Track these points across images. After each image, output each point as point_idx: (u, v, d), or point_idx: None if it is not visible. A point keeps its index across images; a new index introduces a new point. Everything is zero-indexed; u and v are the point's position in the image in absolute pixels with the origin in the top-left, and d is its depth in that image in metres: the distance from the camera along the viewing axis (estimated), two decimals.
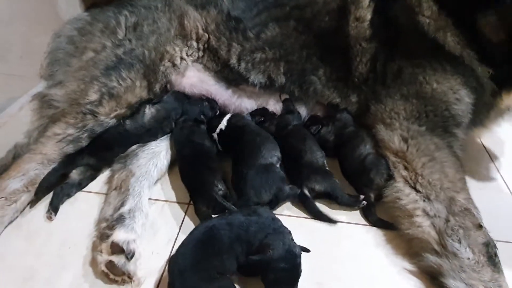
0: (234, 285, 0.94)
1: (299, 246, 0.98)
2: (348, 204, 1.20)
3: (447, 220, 1.04)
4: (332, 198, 1.23)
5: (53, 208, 1.22)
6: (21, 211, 1.20)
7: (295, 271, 0.93)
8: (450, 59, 1.20)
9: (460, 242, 1.00)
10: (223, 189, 1.18)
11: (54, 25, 1.57)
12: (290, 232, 1.01)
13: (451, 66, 1.19)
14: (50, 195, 1.25)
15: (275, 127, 1.44)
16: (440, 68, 1.21)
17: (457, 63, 1.19)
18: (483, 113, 1.27)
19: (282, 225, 1.02)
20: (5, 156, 1.29)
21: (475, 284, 0.93)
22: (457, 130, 1.24)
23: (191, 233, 1.00)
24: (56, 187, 1.26)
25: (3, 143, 1.30)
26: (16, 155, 1.30)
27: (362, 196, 1.19)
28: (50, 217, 1.20)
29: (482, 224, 1.04)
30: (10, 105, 1.37)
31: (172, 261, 0.95)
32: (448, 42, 1.19)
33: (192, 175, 1.22)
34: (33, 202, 1.23)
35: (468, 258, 0.97)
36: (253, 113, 1.51)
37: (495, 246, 1.00)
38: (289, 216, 1.20)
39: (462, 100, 1.21)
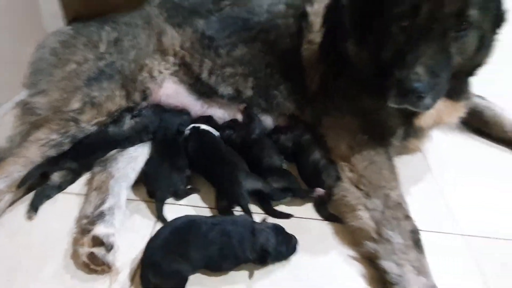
0: (189, 274, 1.06)
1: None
2: (302, 195, 1.38)
3: (383, 213, 1.23)
4: (292, 194, 1.39)
5: (34, 207, 1.31)
6: (3, 211, 1.29)
7: None
8: (369, 83, 1.41)
9: (393, 230, 1.19)
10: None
11: (38, 36, 1.68)
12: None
13: (372, 87, 1.38)
14: (31, 196, 1.35)
15: (240, 139, 1.58)
16: (365, 89, 1.42)
17: (373, 87, 1.38)
18: (410, 126, 1.49)
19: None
20: None
21: (403, 264, 1.12)
22: (393, 139, 1.46)
23: (172, 220, 1.15)
24: (37, 189, 1.36)
25: None
26: None
27: (320, 190, 1.36)
28: (31, 216, 1.30)
29: (410, 215, 1.24)
30: None
31: (149, 240, 1.09)
32: (363, 71, 1.42)
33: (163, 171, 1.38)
34: (14, 202, 1.32)
35: (399, 243, 1.16)
36: (223, 127, 1.65)
37: (419, 233, 1.20)
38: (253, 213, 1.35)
39: (392, 114, 1.42)
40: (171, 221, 1.16)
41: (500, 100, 1.90)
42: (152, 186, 1.35)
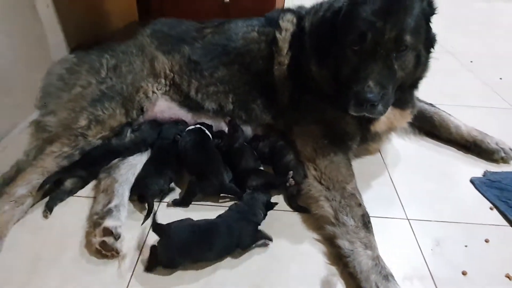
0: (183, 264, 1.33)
1: None
2: (282, 181, 1.64)
3: (340, 202, 1.51)
4: (271, 186, 1.66)
5: (49, 208, 1.54)
6: (26, 212, 1.53)
7: None
8: (330, 95, 1.72)
9: (347, 215, 1.46)
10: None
11: (46, 64, 1.94)
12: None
13: (332, 100, 1.71)
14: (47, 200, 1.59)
15: (225, 147, 1.85)
16: (327, 102, 1.73)
17: (334, 100, 1.70)
18: (367, 132, 1.79)
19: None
20: (10, 170, 1.61)
21: (354, 241, 1.39)
22: (351, 142, 1.76)
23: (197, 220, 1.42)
24: (51, 193, 1.60)
25: (8, 160, 1.62)
26: (18, 169, 1.62)
27: (290, 172, 1.64)
28: (46, 216, 1.53)
29: (361, 203, 1.52)
30: (12, 130, 1.70)
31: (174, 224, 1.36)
32: (325, 87, 1.73)
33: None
34: (34, 205, 1.57)
35: (351, 225, 1.43)
36: (213, 136, 1.90)
37: (369, 216, 1.48)
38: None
39: (349, 122, 1.73)
40: (196, 221, 1.41)
41: (447, 108, 2.24)
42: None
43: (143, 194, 1.57)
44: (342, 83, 1.61)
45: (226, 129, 2.00)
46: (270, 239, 1.44)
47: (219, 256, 1.37)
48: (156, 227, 1.33)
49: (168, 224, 1.35)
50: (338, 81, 1.66)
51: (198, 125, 1.86)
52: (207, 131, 1.85)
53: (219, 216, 1.47)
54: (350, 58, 1.55)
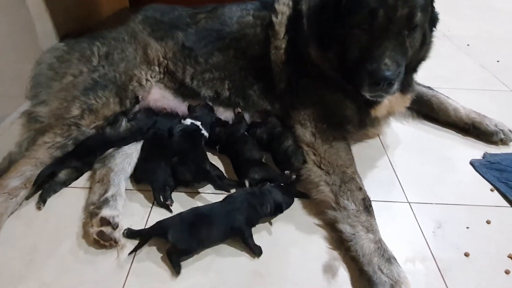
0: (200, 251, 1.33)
1: None
2: (281, 181, 1.59)
3: (340, 186, 1.49)
4: (271, 181, 1.61)
5: (42, 200, 1.51)
6: (20, 204, 1.49)
7: None
8: (331, 79, 1.69)
9: (348, 199, 1.44)
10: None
11: (35, 54, 1.88)
12: None
13: (332, 84, 1.68)
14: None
15: (225, 136, 1.82)
16: (327, 85, 1.70)
17: (335, 82, 1.67)
18: (366, 116, 1.77)
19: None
20: (2, 162, 1.57)
21: (356, 225, 1.37)
22: (349, 126, 1.73)
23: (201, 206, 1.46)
24: (45, 184, 1.56)
25: (0, 152, 1.58)
26: (11, 161, 1.59)
27: (287, 172, 1.62)
28: (39, 208, 1.50)
29: (362, 187, 1.50)
30: (3, 121, 1.65)
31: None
32: (326, 68, 1.69)
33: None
34: (28, 198, 1.53)
35: (352, 209, 1.41)
36: (214, 124, 1.87)
37: (369, 200, 1.46)
38: None
39: (348, 106, 1.70)
40: (198, 207, 1.44)
41: (445, 91, 2.21)
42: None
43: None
44: (351, 64, 1.56)
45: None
46: (256, 254, 1.36)
47: (223, 234, 1.36)
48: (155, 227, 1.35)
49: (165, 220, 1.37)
50: (343, 62, 1.61)
51: (191, 122, 1.80)
52: (203, 131, 1.80)
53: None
54: (359, 37, 1.50)
